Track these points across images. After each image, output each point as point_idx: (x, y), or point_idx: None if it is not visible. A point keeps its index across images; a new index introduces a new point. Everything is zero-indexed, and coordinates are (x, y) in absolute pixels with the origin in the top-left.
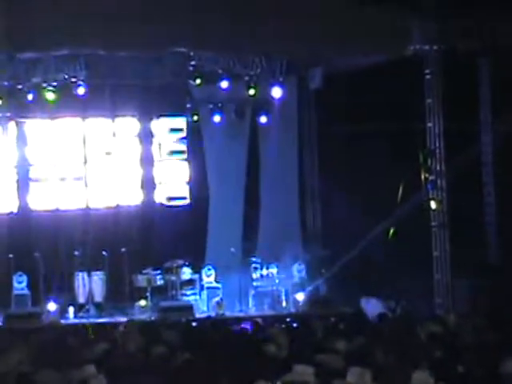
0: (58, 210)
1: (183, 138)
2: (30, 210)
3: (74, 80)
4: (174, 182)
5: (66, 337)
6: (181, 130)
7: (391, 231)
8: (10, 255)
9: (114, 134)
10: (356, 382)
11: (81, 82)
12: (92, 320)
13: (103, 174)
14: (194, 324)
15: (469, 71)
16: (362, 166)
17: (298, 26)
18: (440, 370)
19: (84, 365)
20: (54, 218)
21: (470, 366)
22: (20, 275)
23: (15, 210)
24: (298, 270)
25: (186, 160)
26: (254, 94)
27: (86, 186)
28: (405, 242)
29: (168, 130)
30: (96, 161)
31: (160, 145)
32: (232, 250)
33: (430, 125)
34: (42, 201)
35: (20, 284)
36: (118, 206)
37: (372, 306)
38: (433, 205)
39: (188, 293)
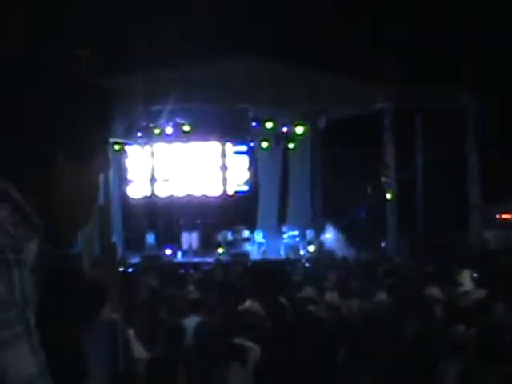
0: (171, 196)
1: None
2: (156, 197)
3: (182, 122)
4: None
5: (176, 269)
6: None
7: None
8: (145, 221)
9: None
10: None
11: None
12: (191, 259)
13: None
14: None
15: (409, 121)
16: (347, 173)
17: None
18: (391, 292)
19: (188, 285)
20: (169, 202)
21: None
22: (150, 233)
23: (148, 196)
24: (309, 233)
25: (247, 169)
26: (286, 131)
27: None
28: (371, 216)
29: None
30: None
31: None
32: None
33: (386, 151)
34: (163, 191)
35: (150, 238)
36: (205, 195)
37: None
38: (388, 196)
39: (247, 245)
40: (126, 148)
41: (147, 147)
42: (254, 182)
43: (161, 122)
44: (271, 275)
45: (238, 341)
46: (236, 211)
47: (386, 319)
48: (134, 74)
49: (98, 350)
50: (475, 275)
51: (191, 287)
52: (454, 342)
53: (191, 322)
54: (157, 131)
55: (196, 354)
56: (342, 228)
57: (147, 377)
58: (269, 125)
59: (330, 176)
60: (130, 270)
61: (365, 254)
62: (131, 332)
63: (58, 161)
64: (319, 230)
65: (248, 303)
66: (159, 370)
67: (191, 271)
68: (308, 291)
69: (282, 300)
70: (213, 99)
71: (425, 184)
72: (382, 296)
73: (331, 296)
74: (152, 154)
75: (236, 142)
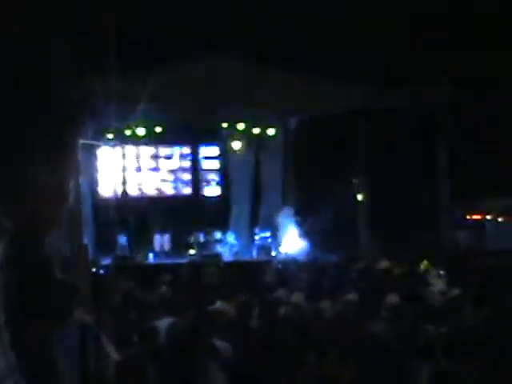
0: (143, 198)
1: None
2: (128, 196)
3: (155, 124)
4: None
5: (149, 270)
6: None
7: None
8: (116, 223)
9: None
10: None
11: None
12: (163, 260)
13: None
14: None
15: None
16: (319, 172)
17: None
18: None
19: (161, 286)
20: (141, 203)
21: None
22: (122, 234)
23: (119, 196)
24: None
25: (218, 171)
26: (259, 133)
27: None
28: (343, 218)
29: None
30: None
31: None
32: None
33: (359, 151)
34: (134, 192)
35: (122, 240)
36: (177, 195)
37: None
38: (359, 197)
39: (219, 246)
40: (97, 149)
41: (118, 148)
42: (225, 184)
43: (132, 122)
44: (243, 276)
45: (210, 341)
46: (208, 213)
47: (355, 320)
48: (105, 74)
49: (68, 351)
50: (442, 273)
51: (164, 288)
52: (424, 341)
53: (164, 323)
54: (128, 132)
55: (168, 354)
56: (314, 229)
57: (118, 378)
58: (240, 126)
59: (303, 177)
60: (101, 271)
61: (337, 254)
62: (103, 334)
63: (28, 162)
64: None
65: (219, 304)
66: (131, 371)
67: (163, 272)
68: (280, 293)
69: (254, 301)
70: (185, 99)
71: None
72: (352, 297)
73: (300, 297)
74: (123, 155)
75: (207, 144)
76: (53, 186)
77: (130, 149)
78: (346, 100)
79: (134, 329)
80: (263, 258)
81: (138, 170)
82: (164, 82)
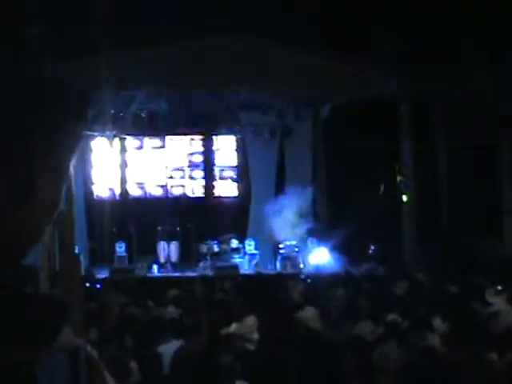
0: (146, 198)
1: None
2: (129, 197)
3: (157, 110)
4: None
5: (152, 285)
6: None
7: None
8: (114, 229)
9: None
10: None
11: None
12: (169, 273)
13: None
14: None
15: (428, 107)
16: (355, 171)
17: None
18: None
19: (167, 304)
20: (143, 205)
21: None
22: (120, 243)
23: (118, 197)
24: (310, 243)
25: (235, 166)
26: (283, 121)
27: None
28: (384, 221)
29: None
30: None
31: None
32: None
33: (403, 145)
34: (136, 191)
35: (120, 249)
36: (186, 195)
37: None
38: (404, 198)
39: (235, 257)
40: (92, 141)
41: (116, 140)
42: (244, 182)
43: (132, 110)
44: (265, 292)
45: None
46: (223, 217)
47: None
48: (98, 55)
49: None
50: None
51: (170, 307)
52: (488, 372)
53: (170, 348)
54: (127, 121)
55: None
56: (350, 235)
57: None
58: (262, 114)
59: (335, 174)
60: (96, 286)
61: (378, 266)
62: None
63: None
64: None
65: (236, 326)
66: None
67: (170, 288)
68: (309, 311)
69: (279, 321)
70: (194, 83)
71: (449, 183)
72: (396, 318)
73: (335, 317)
74: (122, 147)
75: (222, 134)
76: (39, 196)
77: (130, 140)
78: (386, 83)
79: (134, 354)
80: (289, 270)
81: (140, 165)
82: (173, 58)
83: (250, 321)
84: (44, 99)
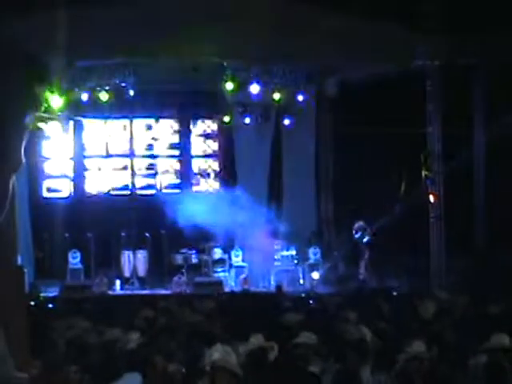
0: (108, 195)
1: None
2: (85, 196)
3: (123, 85)
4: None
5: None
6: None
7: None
8: (66, 234)
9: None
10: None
11: (129, 87)
12: (135, 291)
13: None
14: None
15: (464, 83)
16: (369, 162)
17: (314, 42)
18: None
19: (130, 331)
20: (104, 203)
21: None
22: (74, 252)
23: (72, 195)
24: (313, 253)
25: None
26: (279, 100)
27: (133, 175)
28: (406, 229)
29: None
30: (140, 155)
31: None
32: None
33: (430, 129)
34: (94, 187)
35: (74, 259)
36: (157, 193)
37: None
38: (431, 198)
39: (219, 270)
40: (41, 125)
41: (71, 123)
42: (229, 175)
43: (90, 85)
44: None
45: None
46: (203, 219)
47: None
48: (47, 13)
49: None
50: None
51: (135, 334)
52: None
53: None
54: (84, 97)
55: None
56: (362, 243)
57: None
58: (254, 89)
59: (344, 167)
60: (44, 306)
61: (396, 283)
62: None
63: None
64: (328, 248)
65: (217, 355)
66: None
67: (136, 309)
68: (308, 338)
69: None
70: (171, 52)
71: (487, 179)
72: (421, 348)
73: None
74: (78, 133)
75: (202, 118)
76: None
77: (88, 124)
78: (412, 52)
79: None
80: (286, 288)
81: (101, 156)
82: (137, 20)
83: (237, 350)
84: None
